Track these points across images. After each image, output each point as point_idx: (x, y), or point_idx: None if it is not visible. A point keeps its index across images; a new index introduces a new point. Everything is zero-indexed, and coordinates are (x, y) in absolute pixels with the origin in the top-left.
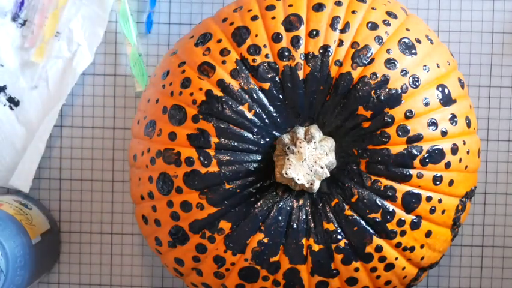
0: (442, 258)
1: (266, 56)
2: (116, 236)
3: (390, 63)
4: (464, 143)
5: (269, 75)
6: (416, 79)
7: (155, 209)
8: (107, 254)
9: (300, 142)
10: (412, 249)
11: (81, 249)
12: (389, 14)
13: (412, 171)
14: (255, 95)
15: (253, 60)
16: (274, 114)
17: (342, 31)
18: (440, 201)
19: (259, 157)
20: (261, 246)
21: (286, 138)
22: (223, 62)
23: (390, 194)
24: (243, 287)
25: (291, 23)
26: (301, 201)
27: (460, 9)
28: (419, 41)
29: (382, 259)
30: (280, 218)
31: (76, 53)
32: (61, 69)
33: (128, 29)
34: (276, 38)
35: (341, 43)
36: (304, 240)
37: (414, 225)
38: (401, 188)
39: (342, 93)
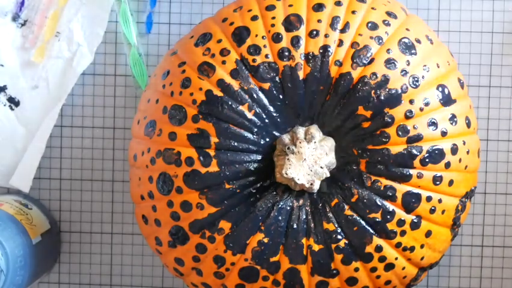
0: (442, 258)
1: (266, 56)
2: (116, 236)
3: (390, 63)
4: (464, 143)
5: (269, 75)
6: (416, 79)
7: (155, 209)
8: (107, 254)
9: (300, 142)
10: (412, 249)
11: (81, 249)
12: (389, 14)
13: (412, 171)
14: (255, 95)
15: (253, 60)
16: (274, 114)
17: (342, 31)
18: (440, 201)
19: (259, 157)
20: (261, 246)
21: (286, 138)
22: (223, 62)
23: (390, 194)
24: (243, 287)
25: (291, 23)
26: (301, 201)
27: (460, 9)
28: (419, 41)
29: (382, 259)
30: (280, 218)
31: (76, 53)
32: (61, 69)
33: (128, 29)
34: (276, 38)
35: (341, 43)
36: (304, 240)
37: (414, 225)
38: (401, 188)
39: (342, 93)
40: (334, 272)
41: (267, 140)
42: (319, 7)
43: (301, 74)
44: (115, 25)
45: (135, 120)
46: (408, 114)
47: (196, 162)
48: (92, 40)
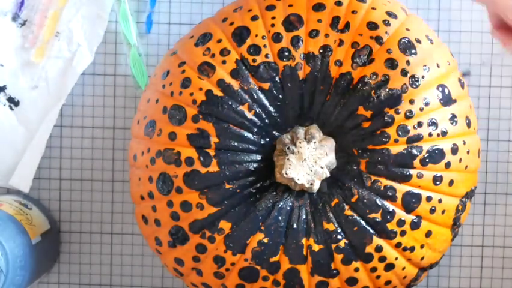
0: (442, 258)
1: (266, 56)
2: (116, 236)
3: (390, 63)
4: (464, 143)
5: (269, 75)
6: (416, 79)
7: (155, 209)
8: (107, 254)
9: (300, 142)
10: (412, 249)
11: (81, 249)
12: (389, 14)
13: (412, 171)
14: (255, 95)
15: (253, 60)
16: (274, 114)
17: (342, 31)
18: (440, 201)
19: (259, 157)
20: (261, 246)
21: (286, 138)
22: (223, 62)
23: (390, 194)
24: (243, 287)
25: (291, 23)
26: (301, 201)
27: (460, 9)
28: (419, 41)
29: (382, 259)
30: (280, 218)
31: (76, 53)
32: (61, 69)
33: (128, 29)
34: (276, 38)
35: (341, 43)
36: (304, 240)
37: (415, 225)
38: (401, 188)
39: (342, 93)
40: (334, 272)
41: (267, 140)
42: (319, 7)
43: (301, 74)
44: (115, 25)
45: (135, 120)
46: (408, 114)
47: (196, 162)
48: (92, 40)
